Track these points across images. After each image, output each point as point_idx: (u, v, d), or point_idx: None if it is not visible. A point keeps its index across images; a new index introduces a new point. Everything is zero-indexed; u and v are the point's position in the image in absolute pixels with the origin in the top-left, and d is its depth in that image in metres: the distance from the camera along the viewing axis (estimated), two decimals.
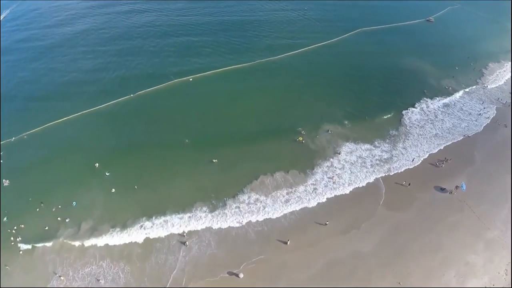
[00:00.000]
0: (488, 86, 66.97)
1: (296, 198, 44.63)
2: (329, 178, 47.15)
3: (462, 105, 61.64)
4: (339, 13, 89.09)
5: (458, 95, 63.80)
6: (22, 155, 49.56)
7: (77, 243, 39.46)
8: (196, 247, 39.32)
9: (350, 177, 47.53)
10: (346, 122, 55.71)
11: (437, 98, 62.38)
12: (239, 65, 68.08)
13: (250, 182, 46.35)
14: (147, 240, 39.96)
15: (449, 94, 63.77)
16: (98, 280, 36.17)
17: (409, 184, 46.52)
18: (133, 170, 47.93)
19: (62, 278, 36.03)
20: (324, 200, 44.66)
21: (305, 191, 45.54)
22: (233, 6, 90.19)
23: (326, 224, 41.57)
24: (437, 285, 37.36)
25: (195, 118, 56.38)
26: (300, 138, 52.09)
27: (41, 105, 58.57)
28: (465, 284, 37.88)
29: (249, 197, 44.61)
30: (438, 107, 60.63)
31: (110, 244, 39.52)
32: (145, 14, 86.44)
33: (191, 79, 64.43)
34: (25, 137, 52.03)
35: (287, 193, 45.32)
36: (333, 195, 45.16)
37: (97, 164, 47.89)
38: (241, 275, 36.52)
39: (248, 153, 50.10)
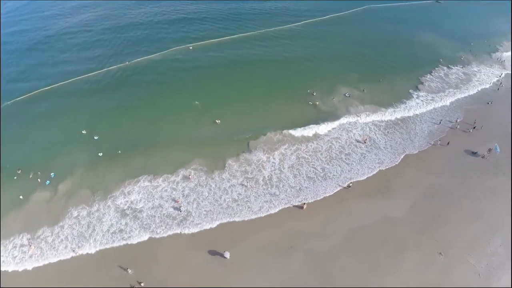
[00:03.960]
0: (504, 61, 63.34)
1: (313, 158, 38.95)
2: (357, 141, 41.99)
3: (479, 75, 57.87)
4: None
5: (474, 66, 60.23)
6: (6, 122, 44.76)
7: (52, 210, 33.63)
8: (190, 215, 33.40)
9: (375, 139, 42.62)
10: (360, 86, 51.52)
11: (453, 68, 58.85)
12: (246, 34, 64.63)
13: (256, 139, 41.03)
14: (131, 208, 34.00)
15: (465, 64, 60.33)
16: (73, 250, 30.33)
17: (448, 143, 42.09)
18: (124, 133, 42.56)
19: (32, 246, 30.65)
20: (350, 161, 39.33)
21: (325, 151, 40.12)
22: None
23: (349, 186, 35.36)
24: (483, 255, 31.41)
25: (199, 83, 51.35)
26: (317, 102, 47.37)
27: (29, 73, 54.31)
28: None
29: (254, 157, 38.94)
30: (456, 75, 57.00)
31: (88, 211, 33.55)
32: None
33: (191, 47, 59.88)
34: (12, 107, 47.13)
35: (294, 150, 39.45)
36: (362, 157, 39.86)
37: (85, 131, 42.74)
38: (227, 254, 29.68)
39: (255, 115, 44.95)
